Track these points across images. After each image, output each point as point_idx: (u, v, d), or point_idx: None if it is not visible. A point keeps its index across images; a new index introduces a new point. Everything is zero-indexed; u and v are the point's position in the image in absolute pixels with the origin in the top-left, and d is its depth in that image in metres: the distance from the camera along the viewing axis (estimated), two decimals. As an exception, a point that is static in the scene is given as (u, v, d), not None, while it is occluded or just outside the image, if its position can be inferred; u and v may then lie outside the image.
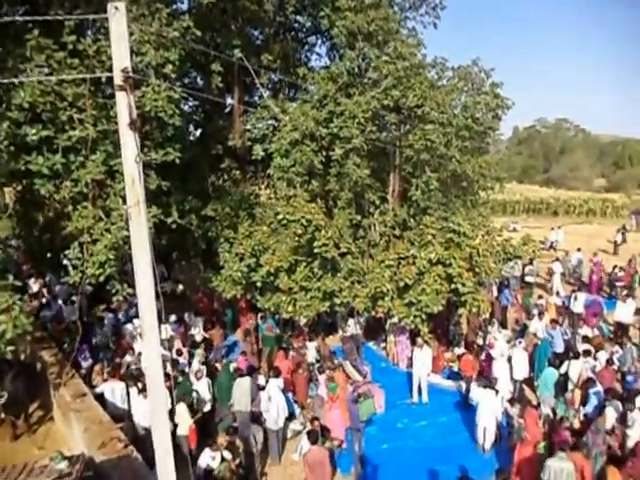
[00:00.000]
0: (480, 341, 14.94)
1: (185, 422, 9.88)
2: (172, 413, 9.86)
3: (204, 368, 11.79)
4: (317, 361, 13.40)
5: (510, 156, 71.33)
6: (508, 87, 14.00)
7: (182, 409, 9.93)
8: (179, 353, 12.45)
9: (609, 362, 12.25)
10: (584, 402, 10.73)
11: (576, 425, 10.32)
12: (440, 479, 9.60)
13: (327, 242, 11.64)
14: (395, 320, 13.36)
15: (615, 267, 21.09)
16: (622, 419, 9.63)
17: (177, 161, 11.09)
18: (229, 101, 17.76)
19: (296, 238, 11.84)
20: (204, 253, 15.92)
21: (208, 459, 9.20)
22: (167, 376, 10.53)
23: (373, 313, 13.46)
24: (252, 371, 11.70)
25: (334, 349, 14.08)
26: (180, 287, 17.52)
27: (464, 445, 10.94)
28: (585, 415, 10.54)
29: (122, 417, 10.28)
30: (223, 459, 9.29)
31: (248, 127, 15.94)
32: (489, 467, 9.52)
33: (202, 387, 11.02)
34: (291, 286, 12.26)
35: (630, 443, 9.25)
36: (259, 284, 12.51)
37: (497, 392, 10.88)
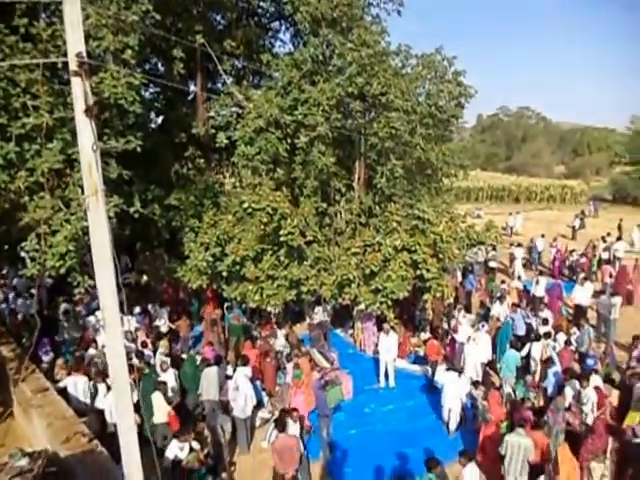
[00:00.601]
0: (445, 326, 15.23)
1: (163, 409, 9.82)
2: (138, 406, 9.78)
3: (168, 359, 11.69)
4: (285, 349, 13.41)
5: (474, 144, 72.38)
6: (472, 74, 14.18)
7: (158, 397, 9.86)
8: (144, 345, 12.26)
9: (567, 343, 12.68)
10: (543, 380, 11.21)
11: (538, 405, 10.68)
12: (407, 461, 9.77)
13: (293, 230, 11.63)
14: (362, 307, 13.49)
15: (573, 252, 21.78)
16: (579, 397, 10.01)
17: (139, 149, 10.85)
18: (192, 88, 17.42)
19: (262, 227, 11.79)
20: (168, 243, 15.69)
21: (176, 450, 9.10)
22: (132, 368, 10.48)
23: (340, 300, 13.55)
24: (219, 360, 11.63)
25: (302, 337, 14.12)
26: (144, 278, 17.24)
27: (430, 428, 11.16)
28: (545, 394, 10.92)
29: (85, 412, 10.09)
30: (192, 449, 9.24)
31: (212, 114, 15.70)
32: (455, 448, 9.70)
33: (169, 378, 10.89)
34: (257, 275, 12.22)
35: (588, 420, 9.63)
36: (225, 273, 12.43)
37: (461, 374, 11.15)
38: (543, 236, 24.15)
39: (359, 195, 14.02)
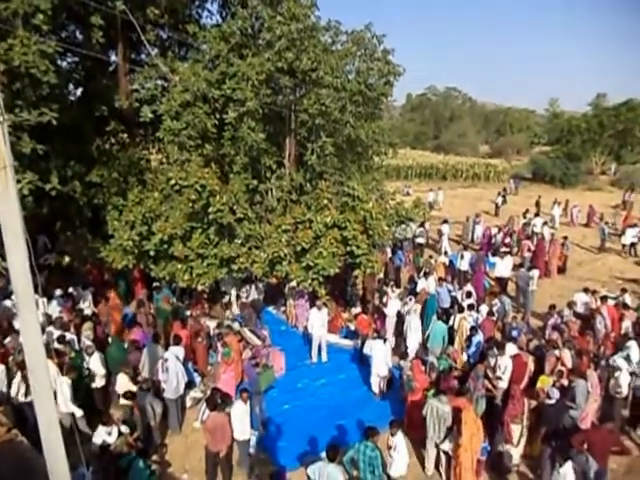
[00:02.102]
0: (377, 301, 15.62)
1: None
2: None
3: (91, 344, 11.27)
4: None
5: (403, 123, 73.89)
6: (401, 54, 14.34)
7: (123, 379, 9.66)
8: (66, 328, 11.71)
9: (489, 314, 13.38)
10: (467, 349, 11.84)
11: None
12: (340, 433, 10.03)
13: (222, 208, 11.42)
14: (293, 284, 13.55)
15: (500, 229, 22.80)
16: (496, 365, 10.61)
17: (55, 123, 10.20)
18: (113, 58, 16.48)
19: (190, 204, 11.48)
20: (91, 222, 14.98)
21: (104, 435, 8.86)
22: (56, 353, 10.02)
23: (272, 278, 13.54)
24: (158, 339, 11.30)
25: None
26: (66, 259, 16.39)
27: (361, 399, 11.50)
28: (468, 362, 11.50)
29: (1, 401, 9.58)
30: (120, 434, 9.02)
31: (135, 87, 14.96)
32: (385, 418, 10.06)
33: (94, 362, 10.51)
34: (186, 254, 11.94)
35: (503, 385, 10.26)
36: (152, 253, 12.05)
37: (385, 341, 11.63)
38: (478, 216, 25.14)
39: (290, 172, 13.94)
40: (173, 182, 11.57)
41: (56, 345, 10.58)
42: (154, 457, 9.20)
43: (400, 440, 8.06)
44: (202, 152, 12.69)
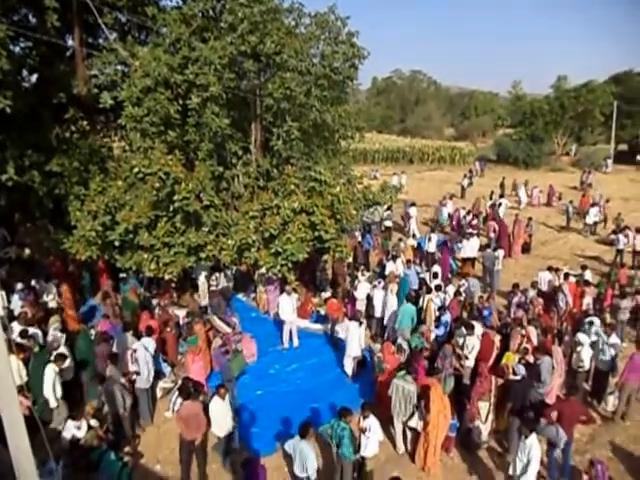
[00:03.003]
0: (348, 285, 15.69)
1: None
2: (28, 386, 9.24)
3: (63, 336, 11.04)
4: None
5: (369, 107, 73.86)
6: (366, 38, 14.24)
7: (112, 370, 9.51)
8: (30, 323, 11.42)
9: (457, 294, 13.62)
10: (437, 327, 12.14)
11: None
12: (313, 416, 10.08)
13: (188, 195, 11.25)
14: (263, 270, 13.50)
15: (470, 211, 23.11)
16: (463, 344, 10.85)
17: (9, 110, 9.81)
18: (70, 43, 15.92)
19: (154, 192, 11.24)
20: (52, 213, 14.52)
21: (73, 430, 8.77)
22: (20, 348, 9.77)
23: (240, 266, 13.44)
24: (129, 328, 11.13)
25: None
26: (27, 251, 15.92)
27: (333, 382, 11.61)
28: (436, 341, 11.71)
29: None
30: (90, 427, 8.90)
31: (94, 73, 14.52)
32: (357, 399, 10.21)
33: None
34: (152, 243, 11.71)
35: (470, 364, 10.50)
36: (117, 243, 11.80)
37: (361, 324, 11.75)
38: (452, 198, 25.41)
39: (256, 158, 13.81)
40: (136, 170, 11.31)
41: (19, 340, 10.30)
42: (126, 449, 9.10)
43: (373, 422, 8.18)
44: (165, 139, 12.42)
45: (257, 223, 12.14)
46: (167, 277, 12.07)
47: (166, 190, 11.22)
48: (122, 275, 14.02)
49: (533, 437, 7.43)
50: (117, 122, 14.06)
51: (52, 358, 9.58)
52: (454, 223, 22.81)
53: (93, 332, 11.61)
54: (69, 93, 15.31)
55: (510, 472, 7.81)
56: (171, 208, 11.65)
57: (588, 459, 7.61)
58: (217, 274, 14.28)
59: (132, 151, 13.23)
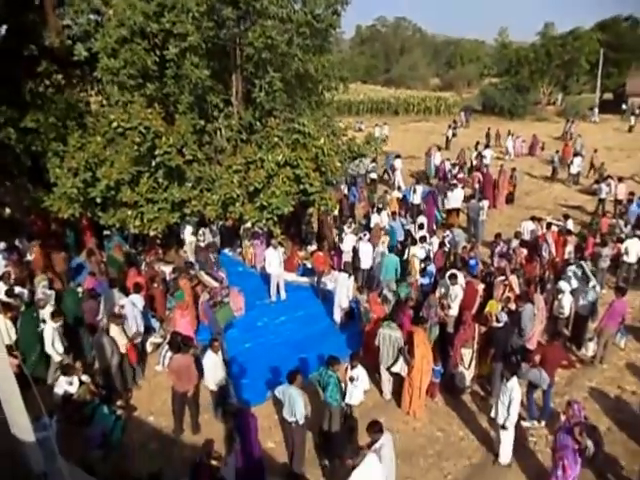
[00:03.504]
0: (333, 238, 15.74)
1: (121, 341, 9.52)
2: (17, 345, 9.28)
3: (52, 293, 11.02)
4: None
5: (353, 56, 72.27)
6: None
7: (115, 330, 9.48)
8: (17, 282, 11.37)
9: (441, 245, 13.75)
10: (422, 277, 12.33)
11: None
12: (302, 366, 10.25)
13: (169, 150, 11.04)
14: (248, 225, 13.46)
15: (456, 163, 23.03)
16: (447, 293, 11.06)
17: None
18: (38, -11, 15.16)
19: (135, 147, 11.01)
20: (30, 170, 14.20)
21: (65, 386, 8.87)
22: (7, 306, 9.75)
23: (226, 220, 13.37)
24: (115, 284, 11.15)
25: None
26: (7, 211, 15.64)
27: (321, 333, 11.79)
28: (421, 291, 11.91)
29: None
30: (82, 383, 9.02)
31: (66, 23, 13.93)
32: (344, 349, 10.44)
33: (48, 314, 10.30)
34: (136, 199, 11.57)
35: (454, 313, 10.74)
36: (99, 200, 11.63)
37: (350, 275, 11.88)
38: (440, 149, 25.24)
39: (238, 111, 13.50)
40: (115, 125, 11.04)
41: (5, 299, 10.27)
42: (118, 402, 9.24)
43: (361, 371, 8.38)
44: (144, 92, 12.06)
45: (241, 177, 12.00)
46: (152, 233, 12.00)
47: (147, 145, 11.00)
48: (106, 232, 13.88)
49: (514, 380, 7.70)
50: (93, 75, 13.55)
51: (49, 316, 9.61)
52: (440, 175, 22.77)
53: (80, 290, 11.60)
54: (41, 45, 14.72)
55: (492, 414, 8.13)
56: (153, 163, 11.47)
57: (566, 400, 7.92)
58: (203, 229, 14.22)
59: (110, 105, 12.86)
